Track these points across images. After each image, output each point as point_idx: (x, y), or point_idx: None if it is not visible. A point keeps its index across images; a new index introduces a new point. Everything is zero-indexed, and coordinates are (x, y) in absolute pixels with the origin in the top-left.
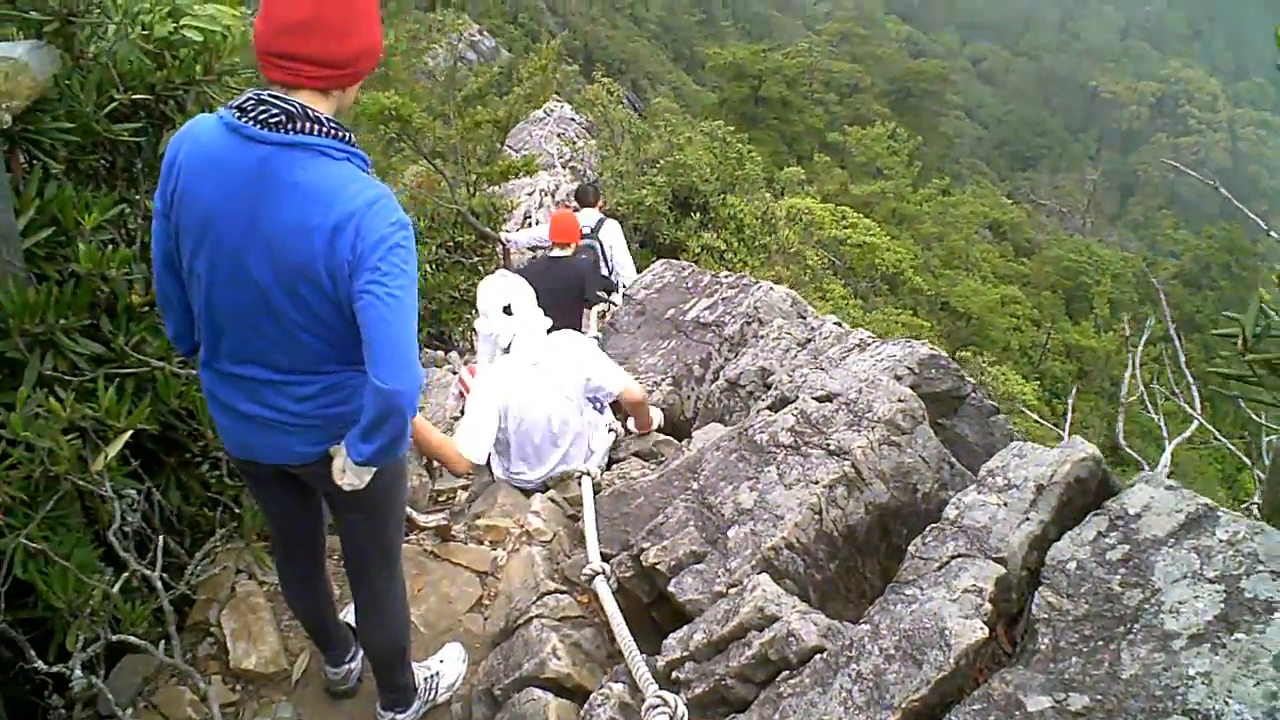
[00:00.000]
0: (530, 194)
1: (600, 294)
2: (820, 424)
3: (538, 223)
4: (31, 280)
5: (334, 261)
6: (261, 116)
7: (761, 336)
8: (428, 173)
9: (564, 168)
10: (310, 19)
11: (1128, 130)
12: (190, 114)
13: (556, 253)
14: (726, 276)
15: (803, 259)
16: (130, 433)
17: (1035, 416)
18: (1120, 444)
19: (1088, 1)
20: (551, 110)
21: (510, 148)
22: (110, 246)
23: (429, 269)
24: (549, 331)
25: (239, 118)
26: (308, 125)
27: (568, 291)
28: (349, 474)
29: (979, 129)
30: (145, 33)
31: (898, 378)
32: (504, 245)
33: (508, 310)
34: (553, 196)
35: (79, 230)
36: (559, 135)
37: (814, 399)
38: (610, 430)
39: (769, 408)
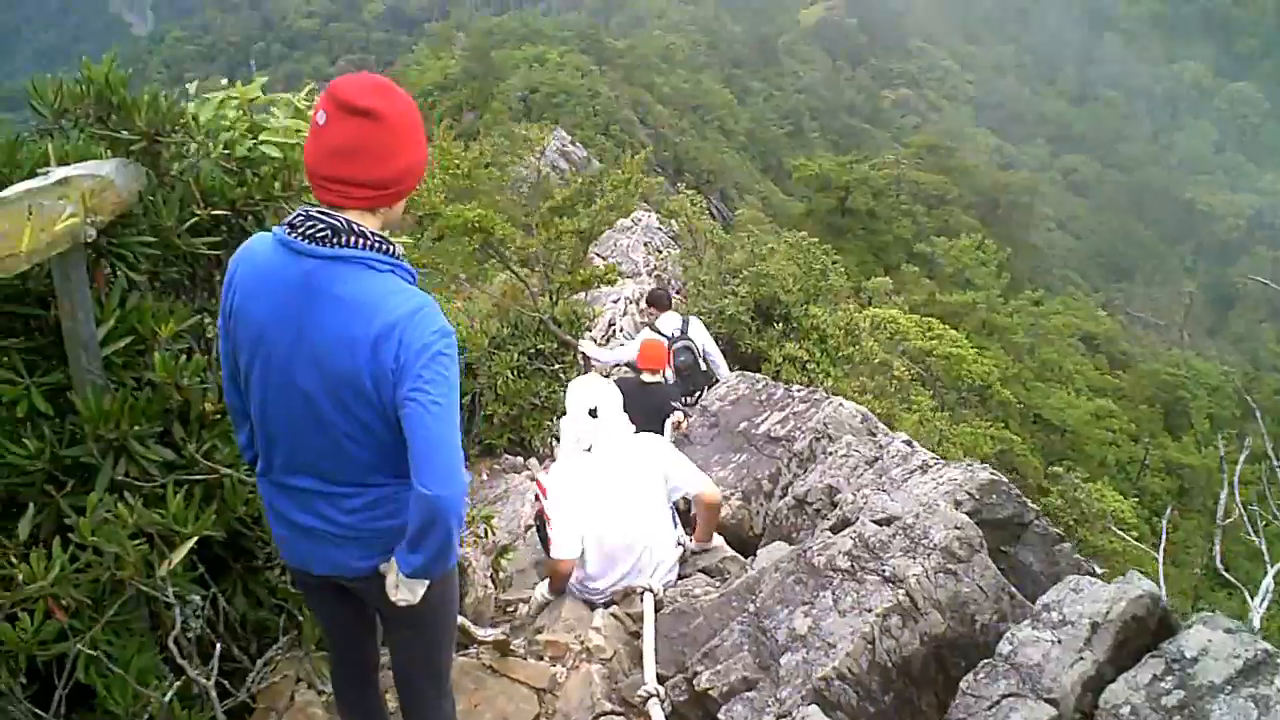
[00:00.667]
0: (615, 301)
1: (678, 405)
2: (877, 549)
3: (621, 330)
4: (109, 387)
5: (378, 371)
6: (309, 231)
7: (830, 453)
8: (511, 281)
9: (649, 276)
10: (353, 144)
11: (1225, 243)
12: (268, 228)
13: (647, 378)
14: (798, 390)
15: (889, 369)
16: (196, 538)
17: (1127, 537)
18: (1219, 568)
19: (1182, 115)
20: (639, 219)
21: (597, 254)
22: (185, 356)
23: (510, 375)
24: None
25: (289, 233)
26: (352, 239)
27: (655, 415)
28: (402, 589)
29: (1071, 240)
30: (226, 151)
31: (957, 503)
32: (584, 355)
33: (593, 413)
34: (637, 305)
35: (156, 339)
36: (645, 243)
37: (873, 522)
38: (679, 545)
39: (831, 529)
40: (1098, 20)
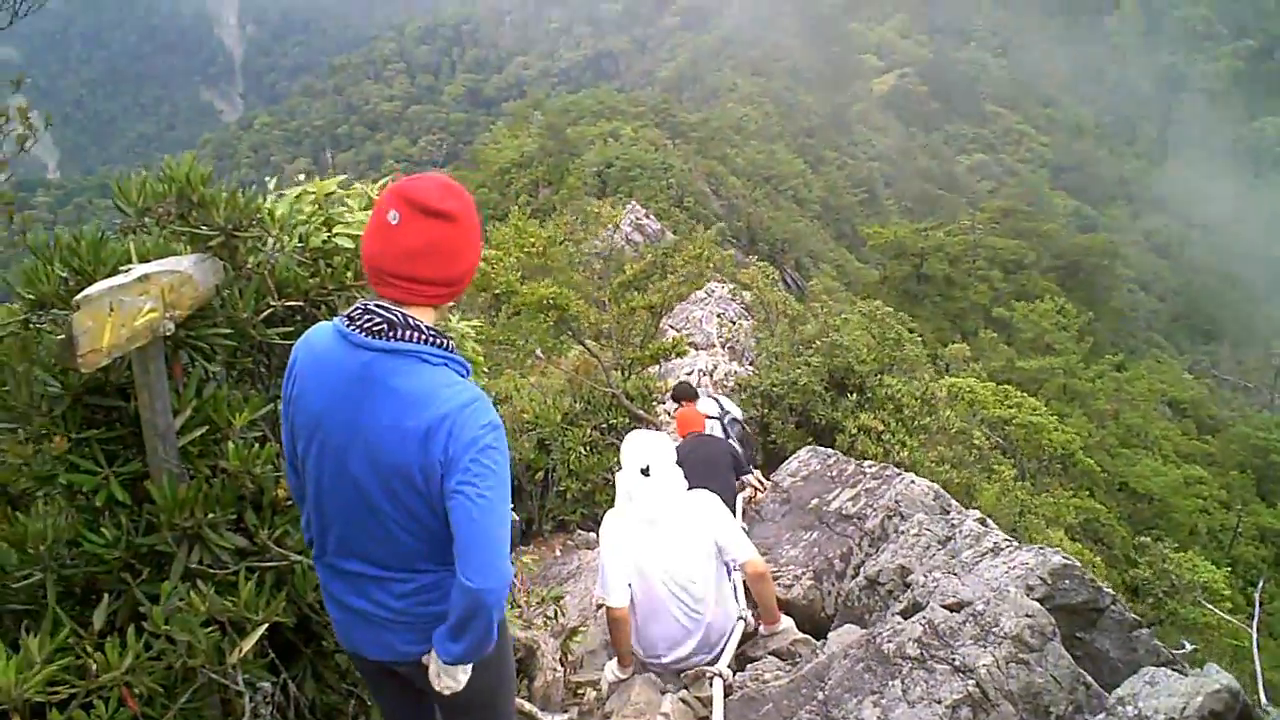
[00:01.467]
0: (689, 374)
1: (749, 469)
2: (947, 636)
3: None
4: (184, 476)
5: (428, 462)
6: (367, 325)
7: (902, 532)
8: (585, 356)
9: (723, 347)
10: (429, 245)
11: None
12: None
13: (715, 430)
14: (870, 466)
15: (968, 438)
16: (267, 625)
17: (1219, 611)
18: None
19: (1265, 171)
20: (712, 291)
21: (671, 326)
22: (259, 443)
23: (583, 450)
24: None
25: (348, 326)
26: (408, 333)
27: (714, 464)
28: (443, 676)
29: (1155, 302)
30: (301, 243)
31: (1029, 588)
32: (657, 426)
33: (645, 471)
34: (710, 376)
35: (231, 428)
36: (718, 315)
37: (943, 607)
38: (740, 619)
39: (902, 613)
40: (1176, 81)
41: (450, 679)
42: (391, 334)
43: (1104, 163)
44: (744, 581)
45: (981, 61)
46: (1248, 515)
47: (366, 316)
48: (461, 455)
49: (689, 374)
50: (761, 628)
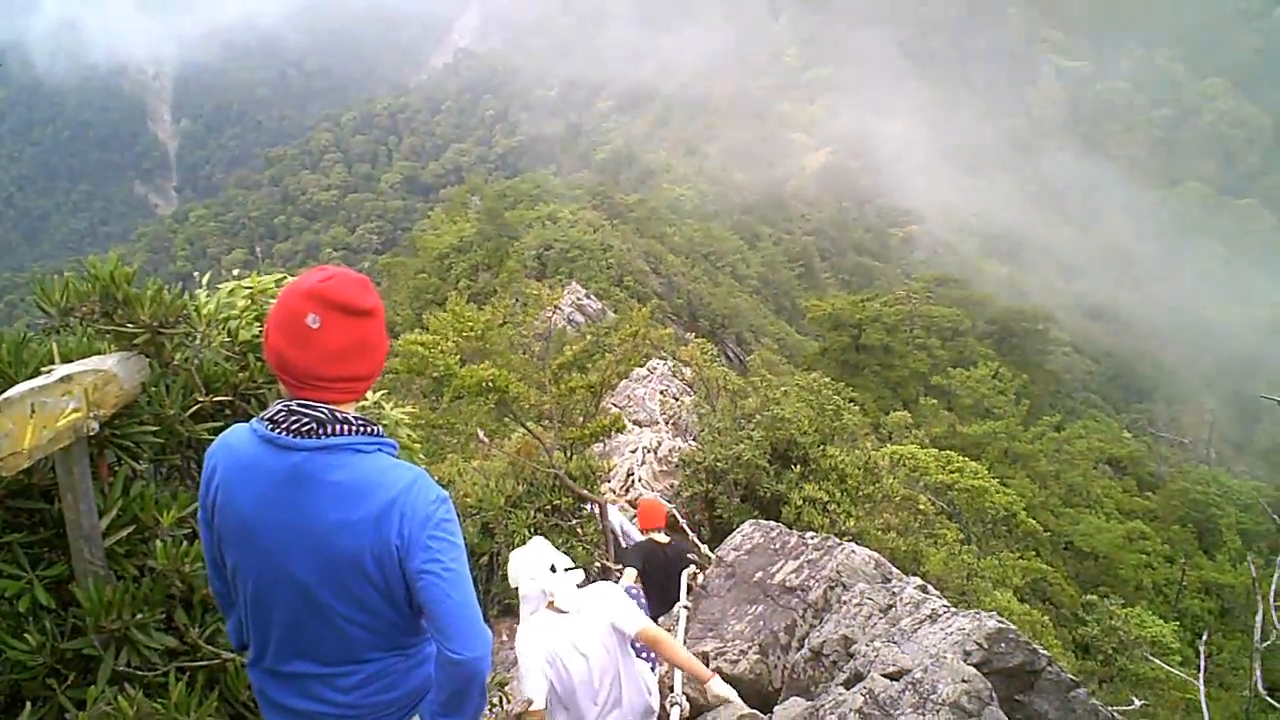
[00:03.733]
0: (633, 451)
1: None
2: (887, 705)
3: (640, 480)
4: (110, 577)
5: (381, 548)
6: (294, 426)
7: (844, 602)
8: (525, 438)
9: (666, 424)
10: (358, 342)
11: (1244, 356)
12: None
13: (659, 537)
14: (812, 537)
15: (913, 505)
16: None
17: (1168, 665)
18: (1261, 693)
19: (1188, 234)
20: (654, 368)
21: (614, 405)
22: (187, 541)
23: (527, 533)
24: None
25: (271, 429)
26: (339, 428)
27: (676, 571)
28: None
29: (1089, 363)
30: (230, 338)
31: (966, 653)
32: (601, 505)
33: (553, 568)
34: (655, 453)
35: (158, 527)
36: (661, 392)
37: (884, 676)
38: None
39: (844, 683)
40: (1096, 149)
41: None
42: (321, 431)
43: (1032, 230)
44: (660, 662)
45: (907, 137)
46: (1191, 569)
47: (293, 418)
48: (419, 534)
49: (633, 451)
50: (681, 691)
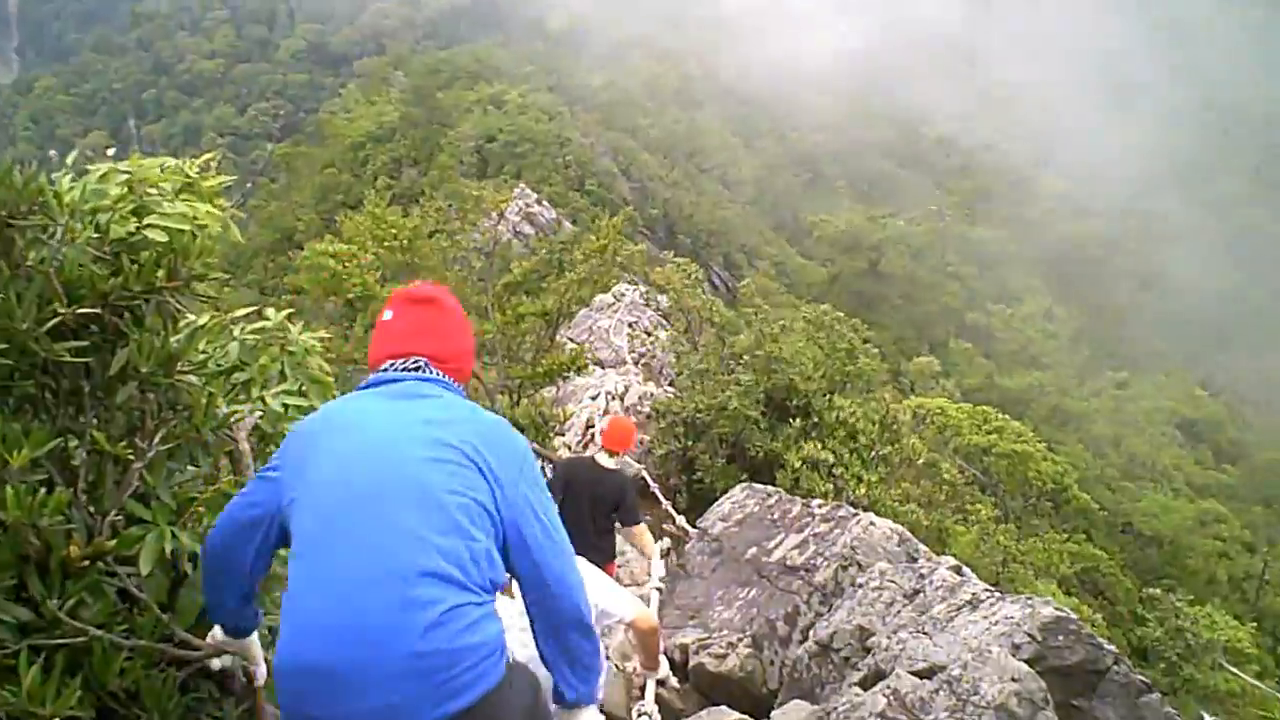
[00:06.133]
0: (594, 398)
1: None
2: (917, 709)
3: (601, 432)
4: None
5: (477, 481)
6: (398, 367)
7: (860, 585)
8: None
9: (635, 365)
10: (423, 325)
11: None
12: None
13: (604, 460)
14: (819, 506)
15: (937, 472)
16: None
17: (1245, 676)
18: None
19: None
20: (621, 295)
21: (570, 340)
22: (45, 488)
23: None
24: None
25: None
26: (430, 371)
27: (604, 506)
28: None
29: (1162, 302)
30: (98, 235)
31: (1015, 647)
32: (554, 463)
33: None
34: (621, 400)
35: (7, 469)
36: (629, 325)
37: (911, 674)
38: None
39: (860, 683)
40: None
41: None
42: (420, 370)
43: (1099, 130)
44: (629, 634)
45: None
46: (1276, 559)
47: (391, 368)
48: (516, 471)
49: (594, 398)
50: (641, 672)
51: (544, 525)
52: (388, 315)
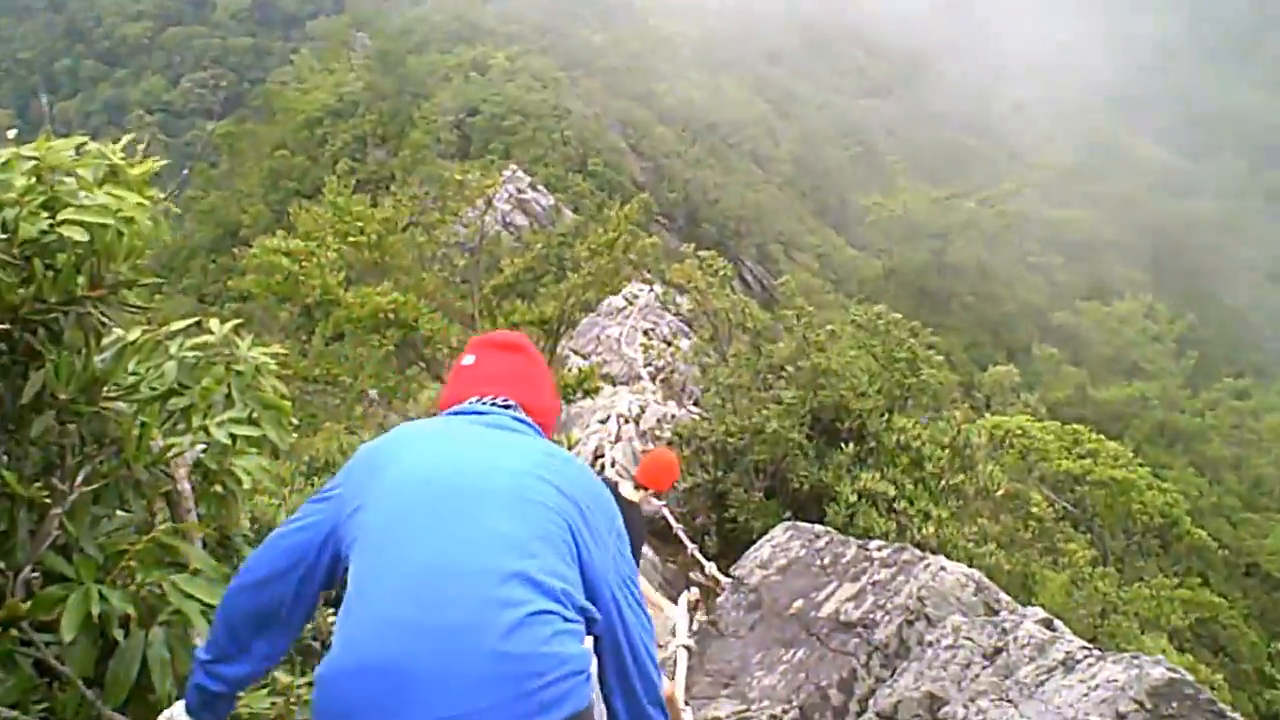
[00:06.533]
0: (604, 421)
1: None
2: None
3: (613, 463)
4: None
5: (575, 520)
6: (483, 401)
7: (930, 644)
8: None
9: (653, 380)
10: (507, 371)
11: None
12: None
13: (628, 493)
14: (879, 548)
15: (1022, 505)
16: None
17: None
18: None
19: None
20: (635, 297)
21: (574, 351)
22: None
23: None
24: None
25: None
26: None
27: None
28: None
29: None
30: (4, 236)
31: (1120, 717)
32: None
33: None
34: (636, 424)
35: None
36: (645, 333)
37: None
38: None
39: None
40: None
41: None
42: (507, 406)
43: (1207, 95)
44: None
45: None
46: None
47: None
48: (605, 527)
49: (603, 421)
50: None
51: (630, 594)
52: (469, 360)
